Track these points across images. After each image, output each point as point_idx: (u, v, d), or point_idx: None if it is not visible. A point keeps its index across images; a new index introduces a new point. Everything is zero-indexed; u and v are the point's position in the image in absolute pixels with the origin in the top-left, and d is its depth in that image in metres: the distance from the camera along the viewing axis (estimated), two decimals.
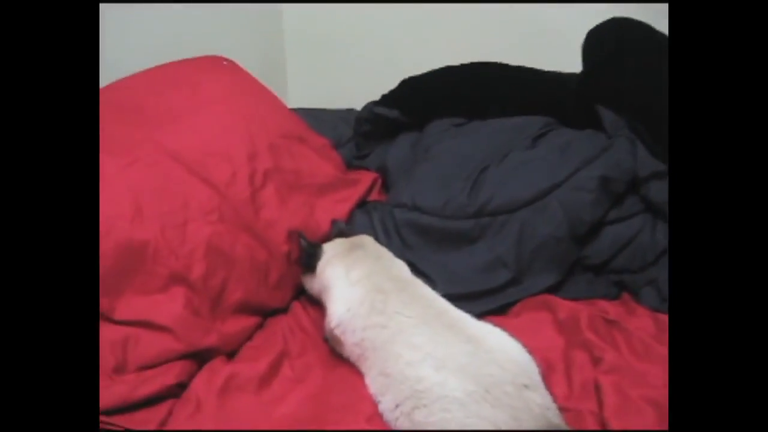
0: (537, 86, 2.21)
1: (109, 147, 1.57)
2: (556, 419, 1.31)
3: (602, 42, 2.13)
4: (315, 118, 2.37)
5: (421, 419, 1.31)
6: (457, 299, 1.59)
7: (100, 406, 1.32)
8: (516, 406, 1.29)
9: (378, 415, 1.39)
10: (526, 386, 1.33)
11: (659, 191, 1.88)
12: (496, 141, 2.04)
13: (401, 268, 1.67)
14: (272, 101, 2.13)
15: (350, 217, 1.96)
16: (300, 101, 2.65)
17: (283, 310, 1.78)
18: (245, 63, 2.25)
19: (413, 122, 2.26)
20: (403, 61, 2.41)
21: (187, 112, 1.87)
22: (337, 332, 1.54)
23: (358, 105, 2.42)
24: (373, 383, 1.45)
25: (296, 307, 1.78)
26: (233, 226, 1.69)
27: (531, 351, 1.46)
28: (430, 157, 2.06)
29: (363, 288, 1.55)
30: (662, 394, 1.40)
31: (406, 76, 2.30)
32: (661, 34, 2.02)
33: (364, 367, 1.49)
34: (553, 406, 1.34)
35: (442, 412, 1.29)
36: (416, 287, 1.58)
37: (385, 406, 1.39)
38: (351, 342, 1.51)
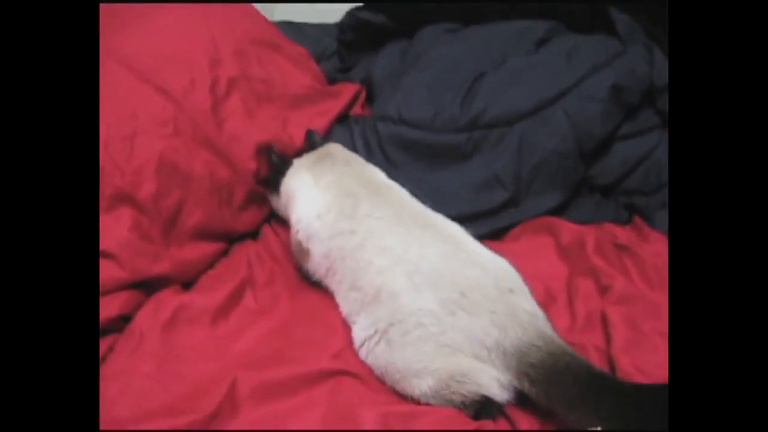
0: None
1: None
2: (548, 330, 1.14)
3: None
4: (298, 31, 2.16)
5: (397, 338, 1.16)
6: None
7: None
8: (498, 311, 1.13)
9: (347, 349, 1.22)
10: (511, 290, 1.17)
11: None
12: (494, 46, 1.83)
13: (374, 171, 1.48)
14: (241, 5, 1.89)
15: (329, 132, 1.76)
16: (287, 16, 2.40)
17: (252, 235, 1.59)
18: None
19: (402, 29, 2.03)
20: None
21: (142, 13, 1.65)
22: (303, 240, 1.37)
23: None
24: (344, 302, 1.30)
25: (266, 231, 1.60)
26: (191, 140, 1.49)
27: (530, 279, 1.27)
28: (419, 66, 1.83)
29: (331, 193, 1.38)
30: None
31: None
32: None
33: (333, 284, 1.33)
34: (542, 315, 1.17)
35: (417, 329, 1.14)
36: (391, 191, 1.41)
37: (360, 328, 1.23)
38: (318, 253, 1.34)
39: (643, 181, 1.69)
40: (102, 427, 0.99)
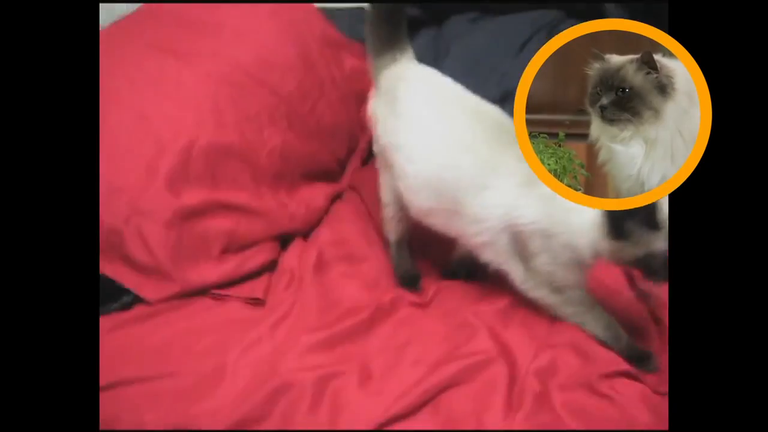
0: None
1: (185, 56, 1.88)
2: None
3: None
4: (333, 17, 2.38)
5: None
6: None
7: (211, 281, 1.68)
8: None
9: None
10: None
11: None
12: (511, 35, 2.30)
13: None
14: (304, 6, 2.26)
15: None
16: None
17: None
18: None
19: (432, 19, 2.44)
20: None
21: (219, 21, 2.03)
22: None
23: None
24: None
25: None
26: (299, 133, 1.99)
27: None
28: (450, 57, 2.29)
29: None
30: None
31: None
32: None
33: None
34: None
35: None
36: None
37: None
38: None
39: None
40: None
